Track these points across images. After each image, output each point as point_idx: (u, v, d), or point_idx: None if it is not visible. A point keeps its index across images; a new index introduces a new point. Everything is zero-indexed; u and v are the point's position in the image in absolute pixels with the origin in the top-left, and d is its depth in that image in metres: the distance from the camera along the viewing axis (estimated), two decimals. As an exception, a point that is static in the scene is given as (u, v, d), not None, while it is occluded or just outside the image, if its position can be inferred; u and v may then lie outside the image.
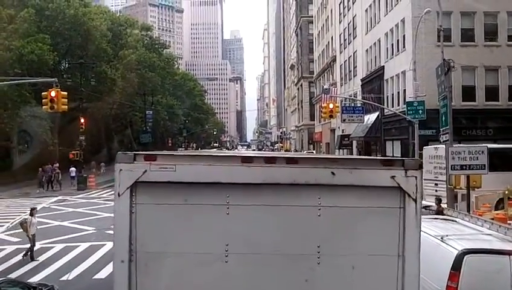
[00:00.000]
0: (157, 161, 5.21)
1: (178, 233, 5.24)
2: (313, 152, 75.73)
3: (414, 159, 5.29)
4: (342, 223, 5.24)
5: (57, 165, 44.12)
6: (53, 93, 24.44)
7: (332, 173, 5.17)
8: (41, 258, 17.71)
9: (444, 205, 17.43)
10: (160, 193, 5.21)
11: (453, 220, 10.84)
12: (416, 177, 5.18)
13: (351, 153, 56.24)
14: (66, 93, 26.03)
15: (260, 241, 5.22)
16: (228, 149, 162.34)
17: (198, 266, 5.22)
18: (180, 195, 5.22)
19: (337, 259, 5.22)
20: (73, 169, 45.58)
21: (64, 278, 15.18)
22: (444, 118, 20.83)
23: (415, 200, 5.18)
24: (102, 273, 15.30)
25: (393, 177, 5.16)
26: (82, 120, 46.25)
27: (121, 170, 5.19)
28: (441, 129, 21.19)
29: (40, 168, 41.43)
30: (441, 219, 11.35)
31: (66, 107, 25.77)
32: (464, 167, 17.80)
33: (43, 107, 25.56)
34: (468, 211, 17.98)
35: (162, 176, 5.16)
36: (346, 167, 5.20)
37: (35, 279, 14.90)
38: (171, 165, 5.18)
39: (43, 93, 26.32)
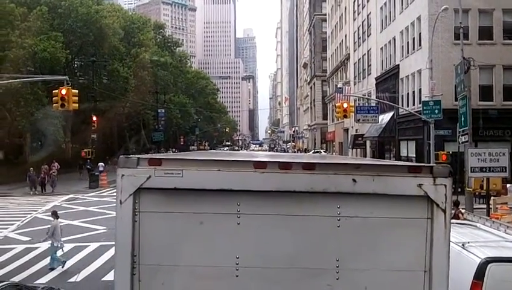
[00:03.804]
0: (163, 165, 4.81)
1: (184, 244, 4.84)
2: (320, 151, 75.29)
3: (443, 165, 4.83)
4: (363, 235, 4.80)
5: (55, 164, 42.85)
6: (63, 91, 24.21)
7: (354, 180, 4.74)
8: (51, 258, 17.42)
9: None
10: (166, 200, 4.81)
11: (473, 225, 10.36)
12: (445, 185, 4.74)
13: (365, 153, 55.70)
14: (76, 91, 25.82)
15: (273, 254, 4.80)
16: (240, 148, 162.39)
17: (206, 281, 4.81)
18: (187, 203, 4.82)
19: (358, 274, 4.79)
20: (101, 164, 46.30)
21: (72, 279, 14.91)
22: (463, 118, 20.29)
23: (444, 211, 4.73)
24: (111, 275, 14.96)
25: (420, 185, 4.72)
26: (94, 118, 46.21)
27: (123, 175, 4.79)
28: (460, 130, 20.66)
29: (31, 168, 39.65)
30: (460, 224, 10.85)
31: (77, 105, 25.52)
32: (484, 169, 17.24)
33: (54, 105, 25.34)
34: (488, 214, 17.46)
35: (168, 182, 4.76)
36: (368, 174, 4.76)
37: (43, 280, 14.71)
38: (178, 171, 4.78)
39: (53, 91, 26.13)
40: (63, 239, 20.25)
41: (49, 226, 16.79)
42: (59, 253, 16.57)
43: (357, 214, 4.79)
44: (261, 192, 4.77)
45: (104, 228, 22.67)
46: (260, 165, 4.82)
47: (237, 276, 4.79)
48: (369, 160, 7.67)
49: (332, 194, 4.77)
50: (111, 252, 17.99)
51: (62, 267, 15.95)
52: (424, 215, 4.76)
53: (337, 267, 4.78)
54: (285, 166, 4.83)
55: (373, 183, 4.74)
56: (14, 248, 19.02)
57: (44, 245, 19.16)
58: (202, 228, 4.83)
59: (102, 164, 46.35)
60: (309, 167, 4.84)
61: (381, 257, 4.79)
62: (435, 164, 5.58)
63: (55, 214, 16.78)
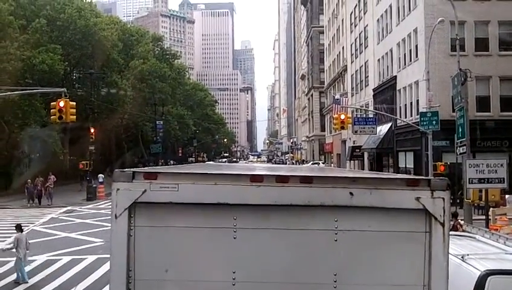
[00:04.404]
0: (158, 179, 4.77)
1: (181, 259, 4.79)
2: (319, 163, 75.24)
3: (441, 178, 4.79)
4: (361, 248, 4.76)
5: (51, 177, 42.02)
6: (61, 104, 24.17)
7: (351, 194, 4.70)
8: (47, 271, 17.34)
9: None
10: (162, 214, 4.77)
11: (472, 237, 10.28)
12: (443, 198, 4.70)
13: (363, 165, 55.63)
14: (74, 103, 25.77)
15: (271, 268, 4.75)
16: (239, 159, 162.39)
17: None
18: (183, 217, 4.77)
19: (356, 289, 4.74)
20: (101, 175, 46.09)
21: (69, 293, 14.79)
22: (460, 130, 20.29)
23: (443, 224, 4.69)
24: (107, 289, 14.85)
25: (418, 198, 4.68)
26: (92, 130, 46.18)
27: (118, 189, 4.75)
28: (458, 141, 20.66)
29: (29, 180, 39.38)
30: (459, 236, 10.76)
31: (75, 117, 25.43)
32: (482, 181, 17.21)
33: (52, 117, 25.31)
34: (487, 226, 17.41)
35: (164, 196, 4.72)
36: (365, 187, 4.73)
37: (40, 294, 14.62)
38: (174, 184, 4.74)
39: (51, 103, 26.09)
40: (60, 251, 20.29)
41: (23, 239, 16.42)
42: (27, 268, 16.32)
43: (354, 228, 4.75)
44: (257, 206, 4.74)
45: (101, 240, 22.50)
46: (256, 178, 4.79)
47: None
48: (366, 173, 7.63)
49: (330, 208, 4.73)
50: (108, 265, 17.84)
51: (23, 282, 15.54)
52: (422, 229, 4.73)
53: (335, 281, 4.73)
54: (282, 179, 4.80)
55: (370, 197, 4.71)
56: (11, 261, 18.84)
57: (43, 258, 19.14)
58: (198, 243, 4.78)
59: (102, 175, 46.30)
60: (306, 180, 4.80)
61: (379, 271, 4.74)
62: (432, 177, 5.53)
63: (19, 228, 16.51)
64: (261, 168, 7.96)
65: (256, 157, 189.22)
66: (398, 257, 4.74)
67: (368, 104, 52.88)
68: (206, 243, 4.78)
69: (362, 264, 4.75)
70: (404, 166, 41.28)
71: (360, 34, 58.78)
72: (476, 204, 24.40)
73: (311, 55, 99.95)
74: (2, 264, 18.36)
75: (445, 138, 31.40)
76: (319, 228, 4.76)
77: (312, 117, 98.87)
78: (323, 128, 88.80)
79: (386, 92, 46.16)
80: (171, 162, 79.88)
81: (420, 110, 33.42)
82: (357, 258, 4.76)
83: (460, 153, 20.50)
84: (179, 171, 5.08)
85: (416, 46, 37.83)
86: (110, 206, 4.86)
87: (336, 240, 4.75)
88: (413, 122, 35.17)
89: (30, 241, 22.62)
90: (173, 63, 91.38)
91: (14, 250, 15.95)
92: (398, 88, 42.66)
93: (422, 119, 30.60)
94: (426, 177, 4.94)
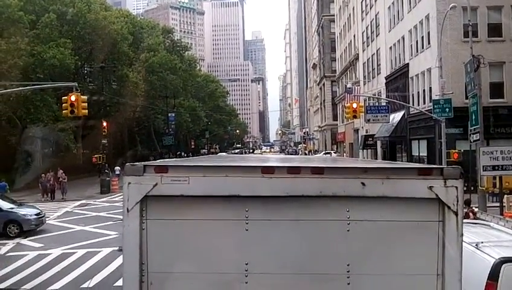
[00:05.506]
0: (169, 172, 4.77)
1: (193, 251, 4.80)
2: (331, 153, 75.03)
3: (454, 167, 4.74)
4: (373, 239, 4.72)
5: (61, 172, 41.26)
6: (73, 98, 24.23)
7: (363, 184, 4.66)
8: (63, 264, 17.51)
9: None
10: (173, 207, 4.77)
11: (486, 225, 10.21)
12: (456, 187, 4.64)
13: (376, 154, 55.38)
14: (85, 97, 25.81)
15: (283, 259, 4.74)
16: (252, 150, 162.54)
17: (215, 288, 4.76)
18: (195, 210, 4.77)
19: (369, 279, 4.71)
20: (117, 168, 46.41)
21: (84, 285, 14.89)
22: (474, 117, 20.09)
23: (456, 213, 4.64)
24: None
25: (431, 187, 4.63)
26: (104, 124, 46.40)
27: (129, 183, 4.76)
28: (471, 128, 20.46)
29: (43, 175, 39.45)
30: (473, 223, 10.70)
31: (86, 111, 25.49)
32: (496, 168, 17.05)
33: (63, 111, 25.43)
34: (501, 213, 17.28)
35: (175, 189, 4.72)
36: (377, 177, 4.68)
37: (56, 287, 14.78)
38: (184, 177, 4.73)
39: (63, 98, 26.20)
40: (75, 245, 20.48)
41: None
42: None
43: (366, 218, 4.72)
44: (269, 197, 4.72)
45: (116, 233, 22.65)
46: (268, 170, 4.77)
47: (246, 283, 4.74)
48: (378, 163, 7.59)
49: (342, 198, 4.70)
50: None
51: None
52: (436, 218, 4.68)
53: (348, 272, 4.71)
54: (294, 171, 4.78)
55: (382, 187, 4.67)
56: (26, 255, 19.09)
57: (58, 251, 19.35)
58: (210, 235, 4.79)
59: (119, 168, 46.70)
60: (317, 171, 4.77)
61: (393, 261, 4.71)
62: (445, 166, 5.48)
63: None
64: (273, 159, 7.95)
65: (269, 147, 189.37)
66: (411, 247, 4.71)
67: (380, 92, 52.53)
68: (218, 236, 4.79)
69: (375, 254, 4.73)
70: (417, 154, 41.02)
71: (371, 22, 58.33)
72: (490, 191, 24.21)
73: (323, 44, 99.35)
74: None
75: (458, 125, 31.14)
76: (331, 219, 4.74)
77: (324, 106, 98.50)
78: (335, 118, 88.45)
79: (399, 79, 45.83)
80: (189, 154, 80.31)
81: (433, 98, 33.12)
82: (369, 248, 4.73)
83: (474, 141, 20.33)
84: (189, 164, 5.08)
85: (429, 33, 37.44)
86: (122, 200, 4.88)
87: (348, 231, 4.72)
88: (426, 110, 34.90)
89: (45, 235, 23.08)
90: (184, 55, 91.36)
91: None
92: (410, 76, 42.31)
93: (435, 106, 30.33)
94: (439, 166, 4.88)
